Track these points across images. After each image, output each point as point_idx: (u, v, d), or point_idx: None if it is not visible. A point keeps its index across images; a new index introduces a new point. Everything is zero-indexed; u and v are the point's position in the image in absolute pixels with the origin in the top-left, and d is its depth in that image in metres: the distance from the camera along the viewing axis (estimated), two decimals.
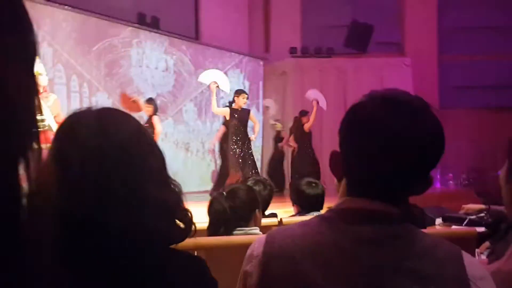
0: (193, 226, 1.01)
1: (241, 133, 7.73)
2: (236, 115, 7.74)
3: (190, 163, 11.01)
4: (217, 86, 7.90)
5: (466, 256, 0.94)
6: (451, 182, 12.27)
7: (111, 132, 0.92)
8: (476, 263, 0.94)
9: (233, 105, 7.98)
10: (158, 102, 9.06)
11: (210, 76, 8.08)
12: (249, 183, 3.21)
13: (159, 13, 10.67)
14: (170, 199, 0.98)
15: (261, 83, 13.50)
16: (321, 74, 13.03)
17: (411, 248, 0.93)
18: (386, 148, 0.93)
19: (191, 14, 12.16)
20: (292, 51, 13.01)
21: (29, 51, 0.44)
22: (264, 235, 1.03)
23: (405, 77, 13.00)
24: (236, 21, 12.95)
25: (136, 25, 10.11)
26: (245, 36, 13.41)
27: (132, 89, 9.61)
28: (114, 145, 0.91)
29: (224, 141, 8.82)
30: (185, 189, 1.07)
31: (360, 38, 12.80)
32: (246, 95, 8.03)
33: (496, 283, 0.92)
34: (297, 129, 9.84)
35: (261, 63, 13.50)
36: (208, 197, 3.09)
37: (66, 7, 8.61)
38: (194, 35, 12.11)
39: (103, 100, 7.89)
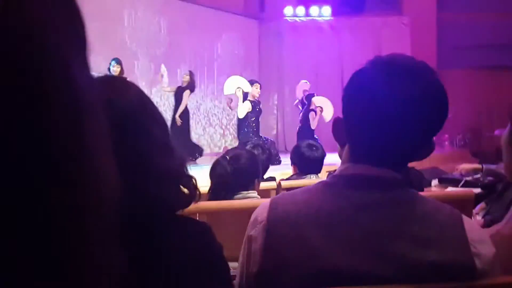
0: (197, 192, 1.03)
1: (256, 126, 8.26)
2: (257, 109, 8.23)
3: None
4: (242, 91, 8.33)
5: (466, 220, 0.96)
6: (446, 143, 12.33)
7: (113, 100, 0.92)
8: (476, 227, 0.98)
9: (249, 97, 8.32)
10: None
11: (231, 84, 8.49)
12: (248, 146, 3.27)
13: None
14: (174, 165, 1.00)
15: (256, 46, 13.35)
16: (317, 35, 12.89)
17: (412, 212, 0.94)
18: (388, 114, 0.94)
19: None
20: (287, 11, 12.81)
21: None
22: (268, 201, 1.04)
23: (403, 36, 12.87)
24: None
25: None
26: None
27: (125, 52, 9.49)
28: (116, 113, 0.91)
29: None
30: None
31: None
32: (259, 85, 8.41)
33: (495, 246, 0.94)
34: None
35: (256, 23, 13.30)
36: None
37: None
38: None
39: (99, 63, 7.84)
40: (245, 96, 8.42)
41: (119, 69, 7.90)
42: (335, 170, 1.06)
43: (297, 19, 12.84)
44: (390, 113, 0.94)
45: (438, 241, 0.92)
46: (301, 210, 0.97)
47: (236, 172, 2.22)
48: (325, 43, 12.83)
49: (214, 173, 2.28)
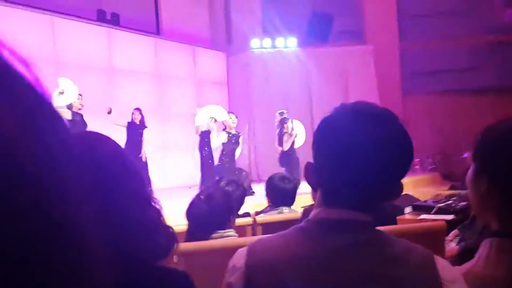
0: (175, 242, 1.03)
1: (231, 158, 8.41)
2: (233, 141, 8.25)
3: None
4: (215, 120, 8.29)
5: (438, 259, 0.98)
6: (417, 167, 12.56)
7: (88, 156, 0.92)
8: (448, 266, 0.98)
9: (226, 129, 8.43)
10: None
11: (204, 115, 8.47)
12: (222, 183, 3.33)
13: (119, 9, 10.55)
14: (151, 217, 1.00)
15: (225, 77, 13.50)
16: (284, 66, 13.11)
17: (384, 254, 0.96)
18: (357, 159, 0.96)
19: (151, 9, 12.02)
20: (254, 44, 13.03)
21: None
22: (245, 247, 1.05)
23: (367, 65, 13.22)
24: (197, 14, 12.87)
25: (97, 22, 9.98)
26: (206, 30, 13.35)
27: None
28: (91, 169, 0.92)
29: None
30: None
31: (321, 28, 12.94)
32: (234, 116, 8.47)
33: (468, 285, 0.96)
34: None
35: (224, 55, 13.48)
36: None
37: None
38: (155, 30, 11.99)
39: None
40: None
41: (139, 117, 8.25)
42: (311, 206, 1.06)
43: (264, 50, 13.08)
44: (359, 157, 0.96)
45: (411, 282, 0.93)
46: (278, 255, 0.99)
47: (211, 212, 2.24)
48: (292, 73, 13.06)
49: (189, 213, 2.29)
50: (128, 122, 8.91)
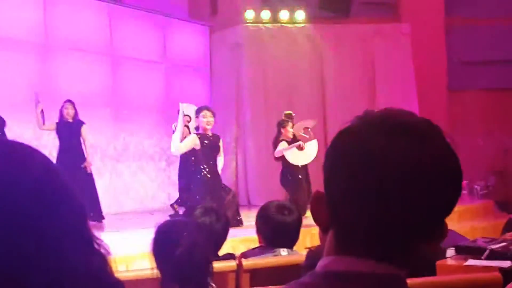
0: None
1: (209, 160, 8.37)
2: (205, 143, 8.18)
3: None
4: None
5: None
6: (464, 192, 12.55)
7: (10, 178, 0.91)
8: None
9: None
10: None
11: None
12: (198, 212, 3.30)
13: None
14: (94, 266, 0.98)
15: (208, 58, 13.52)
16: (289, 47, 13.11)
17: None
18: (387, 189, 0.96)
19: None
20: (248, 16, 13.04)
21: None
22: None
23: (403, 49, 13.23)
24: None
25: None
26: None
27: None
28: (14, 194, 0.91)
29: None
30: None
31: None
32: (209, 112, 8.38)
33: None
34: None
35: (207, 31, 13.49)
36: None
37: None
38: None
39: None
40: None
41: (72, 112, 8.33)
42: (319, 248, 1.05)
43: (261, 25, 13.10)
44: (391, 188, 0.96)
45: None
46: None
47: (179, 263, 2.27)
48: (299, 57, 13.09)
49: (158, 255, 2.34)
50: (57, 123, 8.82)
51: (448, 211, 1.01)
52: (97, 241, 1.00)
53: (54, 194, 0.96)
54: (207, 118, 8.24)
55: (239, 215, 8.41)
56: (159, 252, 2.36)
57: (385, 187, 0.96)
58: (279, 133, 9.44)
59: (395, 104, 1.42)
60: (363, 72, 13.13)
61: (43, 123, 8.69)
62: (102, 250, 1.01)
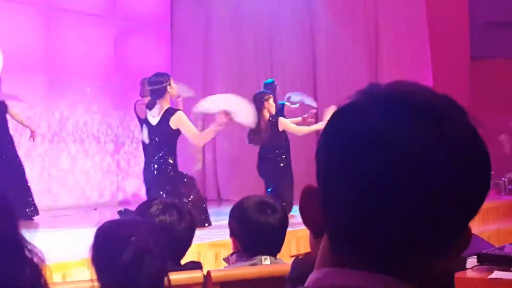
0: None
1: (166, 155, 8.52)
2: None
3: None
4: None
5: None
6: None
7: None
8: None
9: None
10: None
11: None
12: (154, 209, 3.31)
13: None
14: (24, 276, 1.00)
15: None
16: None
17: None
18: (400, 186, 0.96)
19: None
20: None
21: None
22: None
23: (415, 6, 13.29)
24: None
25: None
26: None
27: None
28: None
29: None
30: None
31: None
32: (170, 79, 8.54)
33: None
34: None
35: None
36: None
37: None
38: None
39: None
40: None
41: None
42: (307, 257, 1.06)
43: None
44: (405, 183, 0.96)
45: None
46: None
47: (124, 274, 2.32)
48: (282, 12, 13.17)
49: (98, 264, 2.40)
50: None
51: (473, 212, 1.02)
52: (29, 247, 1.02)
53: None
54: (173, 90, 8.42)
55: (205, 213, 8.38)
56: (100, 260, 2.37)
57: (396, 182, 0.96)
58: (260, 109, 9.44)
59: (404, 76, 1.43)
60: (362, 31, 13.27)
61: None
62: (35, 258, 1.03)
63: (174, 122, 8.12)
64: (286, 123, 9.50)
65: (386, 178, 0.96)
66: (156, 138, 8.31)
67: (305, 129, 9.71)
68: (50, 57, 11.47)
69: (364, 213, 0.99)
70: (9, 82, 9.16)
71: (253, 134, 9.51)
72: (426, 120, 0.98)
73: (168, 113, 8.18)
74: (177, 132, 8.20)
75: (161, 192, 7.89)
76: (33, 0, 11.35)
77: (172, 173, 8.24)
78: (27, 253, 1.03)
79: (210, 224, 8.23)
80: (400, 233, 0.98)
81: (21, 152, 9.20)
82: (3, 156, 8.55)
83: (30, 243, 1.04)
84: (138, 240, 2.37)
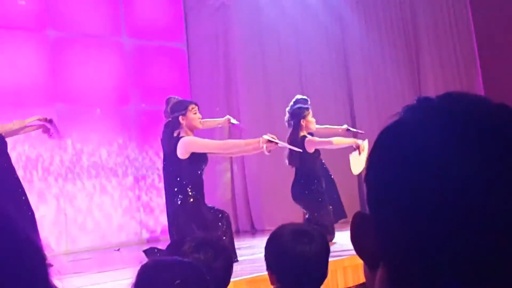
0: None
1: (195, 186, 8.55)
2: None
3: None
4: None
5: None
6: None
7: None
8: None
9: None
10: None
11: None
12: (187, 247, 3.44)
13: None
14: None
15: None
16: (295, 5, 13.09)
17: None
18: (466, 206, 0.98)
19: None
20: None
21: None
22: None
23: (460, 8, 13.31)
24: None
25: None
26: None
27: None
28: None
29: None
30: None
31: None
32: (195, 106, 8.47)
33: None
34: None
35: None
36: None
37: None
38: None
39: None
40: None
41: None
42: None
43: None
44: (471, 203, 0.98)
45: None
46: None
47: None
48: (310, 18, 13.10)
49: None
50: None
51: None
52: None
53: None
54: (198, 114, 8.27)
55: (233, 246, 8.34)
56: None
57: (460, 205, 0.99)
58: (297, 127, 9.33)
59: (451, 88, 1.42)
60: (397, 28, 13.32)
61: None
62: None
63: (180, 150, 8.08)
64: (311, 141, 9.35)
65: (449, 204, 1.00)
66: (172, 170, 8.34)
67: (339, 140, 9.60)
68: (56, 86, 11.53)
69: (423, 242, 1.01)
70: (15, 117, 9.13)
71: (292, 155, 9.38)
72: (485, 135, 1.02)
73: (174, 144, 8.17)
74: (192, 160, 8.11)
75: (193, 226, 7.86)
76: (33, 26, 11.37)
77: (195, 206, 8.21)
78: None
79: (236, 259, 8.16)
80: (471, 267, 0.99)
81: (33, 192, 9.23)
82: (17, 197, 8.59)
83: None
84: (183, 284, 2.47)
